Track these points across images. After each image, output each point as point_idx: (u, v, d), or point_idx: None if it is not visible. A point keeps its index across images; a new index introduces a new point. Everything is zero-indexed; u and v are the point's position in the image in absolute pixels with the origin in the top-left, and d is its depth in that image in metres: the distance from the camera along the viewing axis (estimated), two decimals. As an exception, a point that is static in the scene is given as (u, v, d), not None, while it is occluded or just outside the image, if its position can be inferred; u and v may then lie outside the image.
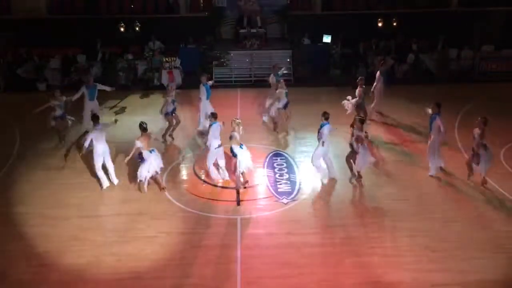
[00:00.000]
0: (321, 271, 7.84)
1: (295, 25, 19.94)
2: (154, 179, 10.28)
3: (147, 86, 17.75)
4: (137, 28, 18.82)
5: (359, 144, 10.00)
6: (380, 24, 18.77)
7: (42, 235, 8.81)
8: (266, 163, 11.62)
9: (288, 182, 10.66)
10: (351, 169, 10.50)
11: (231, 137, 10.05)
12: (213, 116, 10.62)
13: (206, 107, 12.90)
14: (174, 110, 12.59)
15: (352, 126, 10.42)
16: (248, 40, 18.97)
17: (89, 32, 18.66)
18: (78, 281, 7.66)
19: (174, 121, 12.68)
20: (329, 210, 9.66)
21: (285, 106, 13.09)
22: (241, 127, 10.15)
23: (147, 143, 10.01)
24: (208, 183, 10.76)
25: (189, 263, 8.08)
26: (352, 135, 10.21)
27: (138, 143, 9.81)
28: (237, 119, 10.36)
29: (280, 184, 10.64)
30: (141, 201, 9.91)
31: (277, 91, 12.95)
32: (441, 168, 10.98)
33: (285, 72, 14.63)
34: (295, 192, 10.27)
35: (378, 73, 14.03)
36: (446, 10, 20.23)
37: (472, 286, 7.48)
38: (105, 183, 10.39)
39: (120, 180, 10.72)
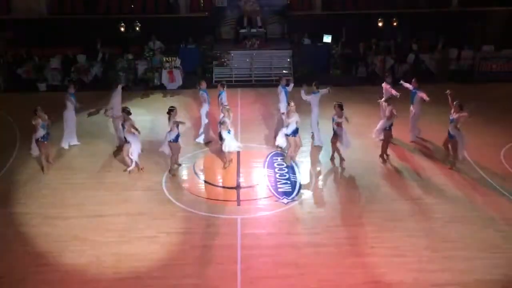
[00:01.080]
0: (321, 271, 7.84)
1: (295, 25, 19.95)
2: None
3: (147, 86, 17.76)
4: (137, 28, 18.81)
5: (339, 128, 11.06)
6: (380, 24, 18.77)
7: (43, 235, 8.82)
8: (266, 163, 11.62)
9: (289, 182, 10.66)
10: (333, 151, 11.51)
11: (222, 123, 10.86)
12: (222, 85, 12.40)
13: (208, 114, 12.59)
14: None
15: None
16: (248, 40, 18.98)
17: (89, 32, 18.67)
18: (78, 281, 7.66)
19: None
20: (329, 210, 9.65)
21: (294, 133, 11.24)
22: (231, 114, 11.15)
23: (130, 127, 10.83)
24: (207, 182, 10.77)
25: (189, 263, 8.08)
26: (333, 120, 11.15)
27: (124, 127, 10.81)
28: (227, 105, 11.36)
29: (281, 184, 10.65)
30: (141, 201, 9.92)
31: (289, 119, 11.08)
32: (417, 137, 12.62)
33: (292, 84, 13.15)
34: (295, 192, 10.27)
35: (384, 84, 13.52)
36: (446, 10, 20.24)
37: (472, 286, 7.48)
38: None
39: (121, 180, 10.72)
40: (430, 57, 18.81)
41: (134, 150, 10.99)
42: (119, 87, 12.82)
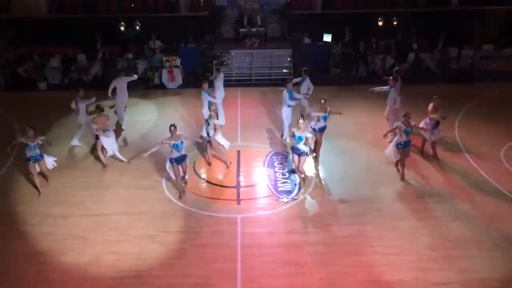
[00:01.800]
0: (321, 270, 7.85)
1: (295, 24, 19.93)
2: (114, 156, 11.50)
3: (147, 86, 17.74)
4: (137, 27, 18.80)
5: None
6: (380, 23, 18.74)
7: (43, 234, 8.83)
8: (266, 162, 11.62)
9: (289, 181, 10.66)
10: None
11: (209, 120, 10.94)
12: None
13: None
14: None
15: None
16: (248, 39, 18.95)
17: (89, 31, 18.64)
18: (78, 280, 7.68)
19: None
20: (329, 209, 9.66)
21: (321, 130, 11.53)
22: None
23: (103, 124, 11.10)
24: (208, 181, 10.78)
25: (190, 262, 8.10)
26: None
27: (93, 125, 10.98)
28: (213, 106, 11.53)
29: (281, 183, 10.65)
30: (142, 200, 9.92)
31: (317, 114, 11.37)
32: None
33: (305, 95, 13.27)
34: (295, 191, 10.27)
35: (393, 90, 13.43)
36: (447, 9, 20.21)
37: (472, 284, 7.50)
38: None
39: (121, 179, 10.73)
40: (431, 56, 18.78)
41: (107, 148, 11.25)
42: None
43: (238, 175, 11.05)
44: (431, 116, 11.22)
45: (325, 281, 7.60)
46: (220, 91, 13.78)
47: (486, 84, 17.10)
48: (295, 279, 7.67)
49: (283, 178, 10.84)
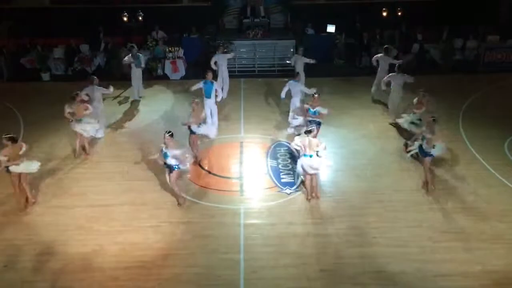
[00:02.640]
0: (323, 261, 7.88)
1: (299, 15, 19.81)
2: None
3: (150, 76, 17.71)
4: (140, 18, 18.73)
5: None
6: (384, 14, 18.59)
7: (47, 224, 8.89)
8: (269, 154, 11.62)
9: (291, 173, 10.67)
10: None
11: (191, 116, 10.51)
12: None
13: (210, 105, 12.53)
14: None
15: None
16: (252, 30, 18.86)
17: (92, 22, 18.60)
18: (82, 270, 7.74)
19: None
20: (331, 200, 9.66)
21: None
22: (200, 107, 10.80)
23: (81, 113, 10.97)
24: (211, 172, 10.79)
25: (193, 252, 8.15)
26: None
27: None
28: (196, 99, 10.92)
29: (283, 174, 10.66)
30: (145, 191, 9.95)
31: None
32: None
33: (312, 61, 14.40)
34: (298, 183, 10.28)
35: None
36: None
37: (474, 276, 7.52)
38: None
39: (123, 170, 10.77)
40: (435, 47, 18.66)
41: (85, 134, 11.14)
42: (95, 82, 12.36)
43: (241, 166, 11.06)
44: (415, 111, 11.16)
45: (327, 272, 7.64)
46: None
47: (491, 75, 16.99)
48: (297, 270, 7.71)
49: (286, 170, 10.84)
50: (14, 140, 8.93)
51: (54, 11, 19.95)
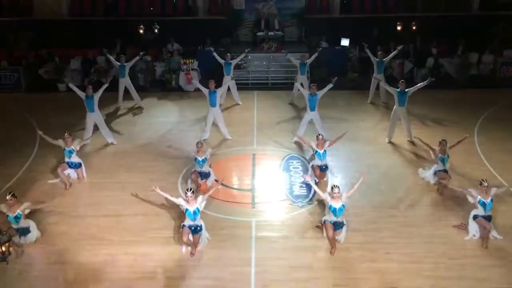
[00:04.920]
0: (335, 276, 7.79)
1: (313, 28, 19.90)
2: None
3: (164, 88, 17.91)
4: (155, 30, 19.00)
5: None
6: (399, 28, 18.58)
7: (60, 233, 8.96)
8: (282, 166, 11.60)
9: (304, 185, 10.62)
10: None
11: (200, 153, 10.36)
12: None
13: (214, 113, 12.77)
14: None
15: None
16: (266, 43, 18.99)
17: (108, 34, 18.92)
18: (94, 280, 7.75)
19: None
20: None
21: None
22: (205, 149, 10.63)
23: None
24: (223, 184, 10.78)
25: (204, 264, 8.12)
26: None
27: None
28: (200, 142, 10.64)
29: (296, 187, 10.62)
30: (158, 202, 9.98)
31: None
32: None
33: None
34: (310, 196, 10.22)
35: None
36: (467, 14, 19.96)
37: (490, 295, 7.36)
38: None
39: (137, 181, 10.83)
40: (450, 62, 18.55)
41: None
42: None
43: (253, 178, 11.05)
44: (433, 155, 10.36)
45: (339, 287, 7.54)
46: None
47: (507, 90, 16.80)
48: (309, 284, 7.63)
49: (298, 182, 10.80)
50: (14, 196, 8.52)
51: (72, 23, 20.36)
